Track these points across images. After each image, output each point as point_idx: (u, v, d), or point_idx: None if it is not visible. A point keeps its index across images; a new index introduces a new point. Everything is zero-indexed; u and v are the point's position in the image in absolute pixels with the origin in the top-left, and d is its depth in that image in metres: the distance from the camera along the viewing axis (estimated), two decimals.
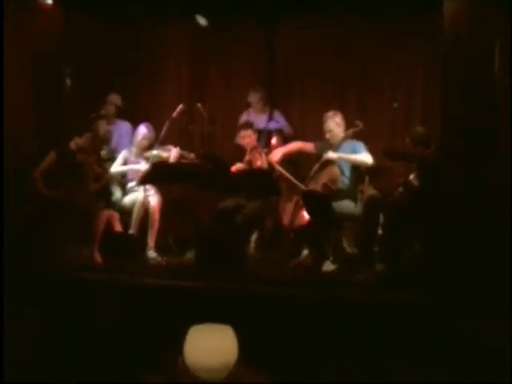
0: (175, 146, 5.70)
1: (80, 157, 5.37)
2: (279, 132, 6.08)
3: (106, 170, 5.59)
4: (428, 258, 4.33)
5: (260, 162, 5.44)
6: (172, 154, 5.57)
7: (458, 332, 3.71)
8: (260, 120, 6.07)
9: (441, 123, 4.16)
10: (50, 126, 5.50)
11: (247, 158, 5.58)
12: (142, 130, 5.76)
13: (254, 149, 5.53)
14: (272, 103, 6.17)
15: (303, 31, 6.29)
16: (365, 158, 5.08)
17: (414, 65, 6.09)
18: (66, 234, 5.18)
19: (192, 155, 5.63)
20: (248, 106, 6.29)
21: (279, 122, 6.16)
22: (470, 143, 3.90)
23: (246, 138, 5.56)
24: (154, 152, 5.64)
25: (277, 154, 5.30)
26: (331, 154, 5.09)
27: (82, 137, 5.43)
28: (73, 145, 5.39)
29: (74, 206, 5.16)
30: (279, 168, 5.23)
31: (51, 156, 5.29)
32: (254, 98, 6.19)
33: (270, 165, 5.27)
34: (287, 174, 5.19)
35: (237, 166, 5.48)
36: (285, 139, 6.03)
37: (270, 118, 6.08)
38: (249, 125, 5.64)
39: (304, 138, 6.24)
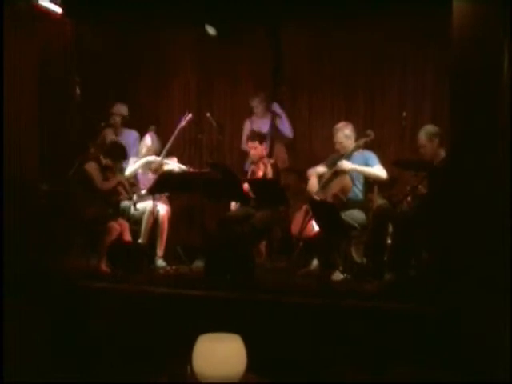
0: (180, 157, 5.74)
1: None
2: (281, 138, 6.08)
3: (133, 190, 5.57)
4: (436, 265, 4.31)
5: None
6: (170, 167, 5.60)
7: (458, 332, 3.69)
8: (263, 124, 6.02)
9: (451, 125, 4.11)
10: (54, 129, 5.50)
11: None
12: (147, 142, 5.77)
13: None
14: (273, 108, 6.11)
15: (308, 33, 6.25)
16: (379, 172, 5.04)
17: (422, 67, 6.06)
18: (75, 241, 5.20)
19: (191, 169, 5.63)
20: (251, 113, 6.27)
21: (283, 125, 6.08)
22: (476, 144, 3.86)
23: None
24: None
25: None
26: (346, 164, 5.06)
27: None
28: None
29: (86, 214, 5.19)
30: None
31: (92, 165, 5.32)
32: (254, 102, 6.17)
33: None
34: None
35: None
36: (287, 144, 6.12)
37: (272, 124, 5.99)
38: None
39: (311, 140, 6.38)
